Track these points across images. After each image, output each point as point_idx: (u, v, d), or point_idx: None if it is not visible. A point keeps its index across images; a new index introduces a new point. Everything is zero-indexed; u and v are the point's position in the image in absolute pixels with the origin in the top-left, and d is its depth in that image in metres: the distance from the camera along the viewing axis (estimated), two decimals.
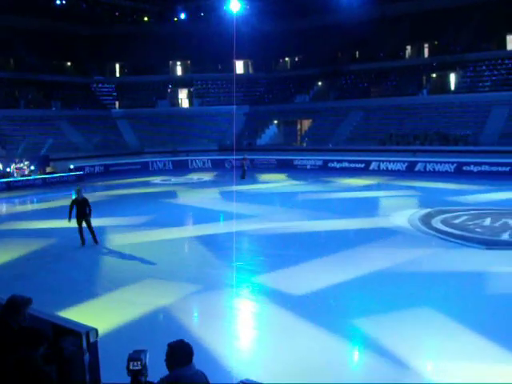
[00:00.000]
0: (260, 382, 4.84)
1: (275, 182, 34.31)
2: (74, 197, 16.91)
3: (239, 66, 59.85)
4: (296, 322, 10.12)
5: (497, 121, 39.94)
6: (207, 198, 27.79)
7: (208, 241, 17.65)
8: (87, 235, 17.02)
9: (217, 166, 44.78)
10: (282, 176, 37.69)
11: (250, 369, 8.29)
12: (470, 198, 25.49)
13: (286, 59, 59.84)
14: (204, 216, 22.51)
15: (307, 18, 52.41)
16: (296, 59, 58.92)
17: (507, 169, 34.26)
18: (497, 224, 18.83)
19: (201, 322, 10.73)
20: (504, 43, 46.46)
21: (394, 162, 38.20)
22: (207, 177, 38.61)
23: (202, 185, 34.24)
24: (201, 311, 11.32)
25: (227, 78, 57.07)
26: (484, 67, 46.00)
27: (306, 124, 52.43)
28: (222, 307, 11.31)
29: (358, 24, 47.75)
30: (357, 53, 54.56)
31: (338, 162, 40.98)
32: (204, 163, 45.28)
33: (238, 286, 12.63)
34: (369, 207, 23.35)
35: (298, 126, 53.81)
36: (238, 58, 58.35)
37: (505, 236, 17.06)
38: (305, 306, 10.96)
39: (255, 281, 13.07)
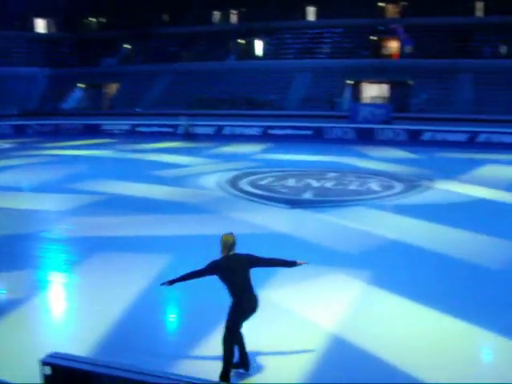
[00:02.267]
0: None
1: (78, 149, 32.18)
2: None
3: (41, 25, 55.58)
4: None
5: (299, 87, 41.69)
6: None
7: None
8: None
9: (19, 131, 41.38)
10: (87, 142, 35.63)
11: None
12: (276, 160, 26.44)
13: (93, 19, 56.74)
14: None
15: None
16: (104, 20, 56.10)
17: (310, 132, 36.00)
18: (300, 184, 19.67)
19: None
20: (305, 14, 48.54)
21: (202, 126, 37.66)
22: (7, 144, 35.22)
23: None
24: None
25: (27, 36, 52.75)
26: (288, 35, 47.71)
27: (114, 88, 50.51)
28: None
29: None
30: (166, 16, 53.49)
31: (147, 126, 40.08)
32: (5, 129, 41.38)
33: None
34: (173, 171, 23.02)
35: (106, 90, 51.63)
36: (39, 16, 54.17)
37: (306, 195, 17.85)
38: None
39: None
